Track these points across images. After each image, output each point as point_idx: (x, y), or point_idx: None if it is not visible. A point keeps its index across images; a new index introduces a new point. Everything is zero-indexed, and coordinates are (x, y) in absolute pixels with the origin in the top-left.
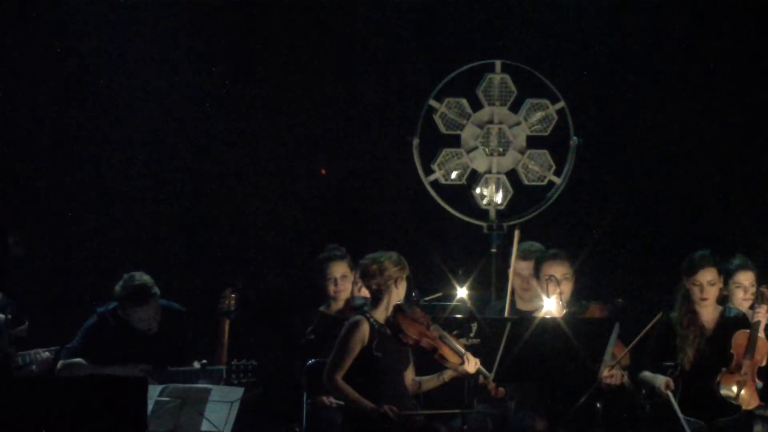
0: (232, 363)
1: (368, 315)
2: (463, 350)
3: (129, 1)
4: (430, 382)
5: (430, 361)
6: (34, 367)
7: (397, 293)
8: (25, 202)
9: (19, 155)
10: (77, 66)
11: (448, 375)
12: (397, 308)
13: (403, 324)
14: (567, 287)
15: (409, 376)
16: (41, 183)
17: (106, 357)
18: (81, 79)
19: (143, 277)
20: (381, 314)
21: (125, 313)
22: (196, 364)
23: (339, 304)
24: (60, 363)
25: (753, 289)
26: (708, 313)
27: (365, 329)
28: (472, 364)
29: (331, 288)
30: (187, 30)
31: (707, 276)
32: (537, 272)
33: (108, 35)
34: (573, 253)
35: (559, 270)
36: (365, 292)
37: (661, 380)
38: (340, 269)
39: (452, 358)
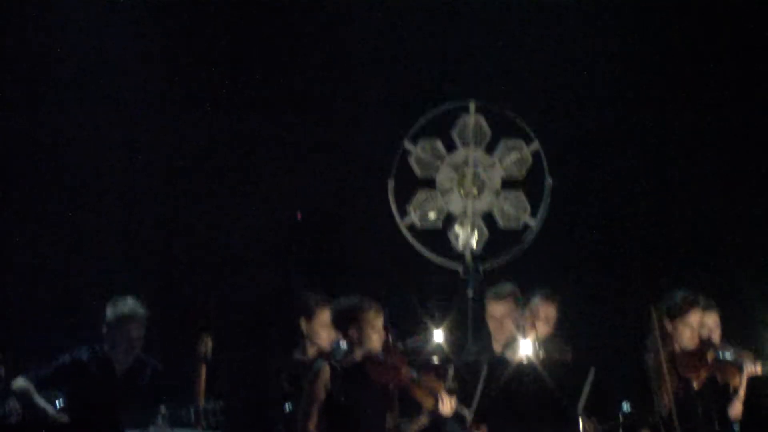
0: (199, 405)
1: (332, 360)
2: (438, 391)
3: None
4: (411, 426)
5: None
6: (13, 418)
7: (374, 339)
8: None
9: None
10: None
11: (424, 419)
12: (367, 353)
13: (370, 369)
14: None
15: (391, 421)
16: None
17: (81, 399)
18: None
19: (130, 299)
20: (356, 359)
21: (116, 334)
22: (162, 408)
23: (314, 350)
24: (19, 382)
25: (719, 330)
26: None
27: (326, 374)
28: (447, 406)
29: (324, 334)
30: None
31: (697, 317)
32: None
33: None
34: (550, 295)
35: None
36: None
37: None
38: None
39: (425, 401)
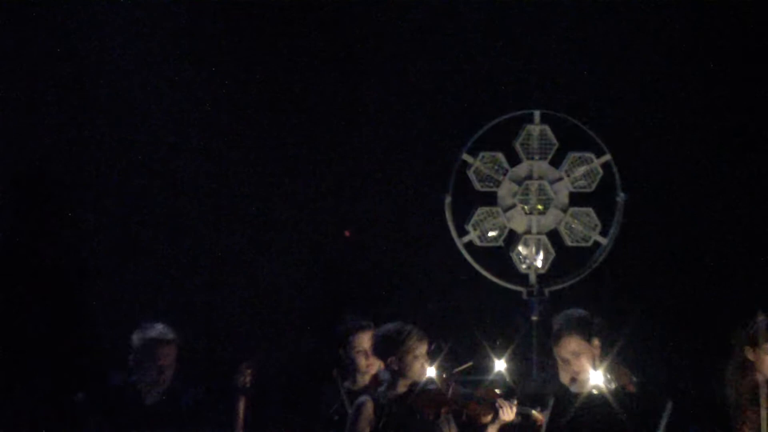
0: None
1: (376, 394)
2: (494, 398)
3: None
4: None
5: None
6: None
7: (415, 367)
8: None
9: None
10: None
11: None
12: (412, 385)
13: (418, 402)
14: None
15: None
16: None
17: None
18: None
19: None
20: (400, 390)
21: (144, 361)
22: None
23: (365, 379)
24: None
25: None
26: None
27: (369, 410)
28: (507, 411)
29: (362, 362)
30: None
31: None
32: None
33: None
34: (620, 321)
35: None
36: None
37: None
38: (370, 341)
39: (484, 414)
